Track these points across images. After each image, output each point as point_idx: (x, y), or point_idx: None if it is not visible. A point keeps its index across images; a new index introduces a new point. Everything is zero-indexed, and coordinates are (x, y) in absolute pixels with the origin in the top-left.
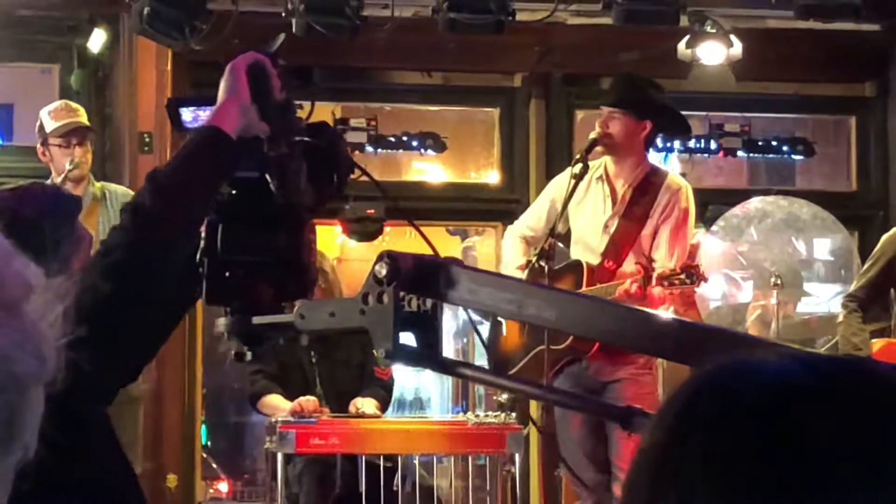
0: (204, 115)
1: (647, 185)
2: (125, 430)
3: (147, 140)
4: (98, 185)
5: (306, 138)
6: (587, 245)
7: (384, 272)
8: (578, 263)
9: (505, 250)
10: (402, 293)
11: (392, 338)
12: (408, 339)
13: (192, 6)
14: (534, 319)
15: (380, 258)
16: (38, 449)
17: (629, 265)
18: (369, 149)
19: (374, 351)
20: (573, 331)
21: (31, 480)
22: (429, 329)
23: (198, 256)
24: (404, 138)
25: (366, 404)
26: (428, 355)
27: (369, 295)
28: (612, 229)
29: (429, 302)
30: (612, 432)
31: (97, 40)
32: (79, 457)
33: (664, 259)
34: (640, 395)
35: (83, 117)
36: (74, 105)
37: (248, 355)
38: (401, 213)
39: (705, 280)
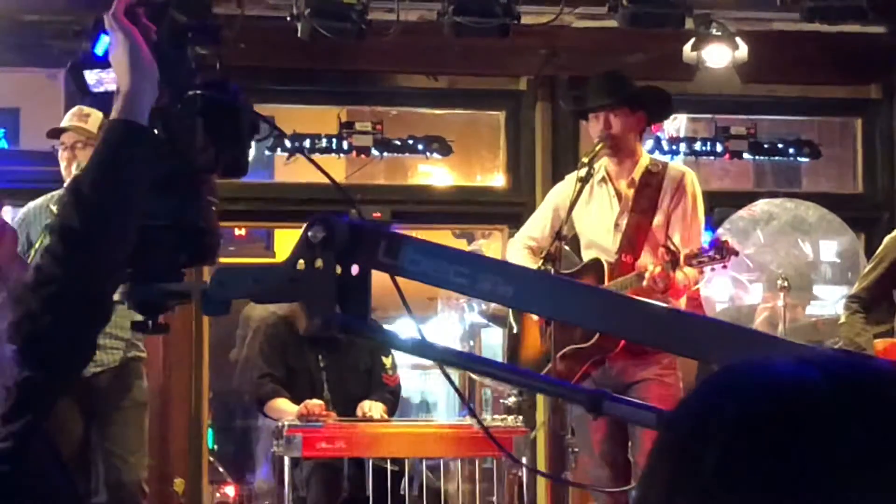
0: (108, 77)
1: (650, 178)
2: (132, 435)
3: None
4: None
5: (201, 92)
6: (600, 247)
7: (319, 237)
8: (598, 261)
9: (511, 260)
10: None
11: (329, 306)
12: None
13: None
14: (488, 295)
15: (313, 222)
16: None
17: (646, 257)
18: (375, 152)
19: (383, 357)
20: (530, 308)
21: None
22: (360, 297)
23: None
24: (410, 142)
25: (373, 408)
26: (359, 324)
27: (300, 260)
28: (624, 226)
29: (355, 268)
30: (637, 433)
31: (103, 45)
32: (18, 478)
33: (680, 245)
34: (664, 396)
35: (86, 123)
36: (87, 111)
37: (150, 325)
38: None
39: (735, 254)
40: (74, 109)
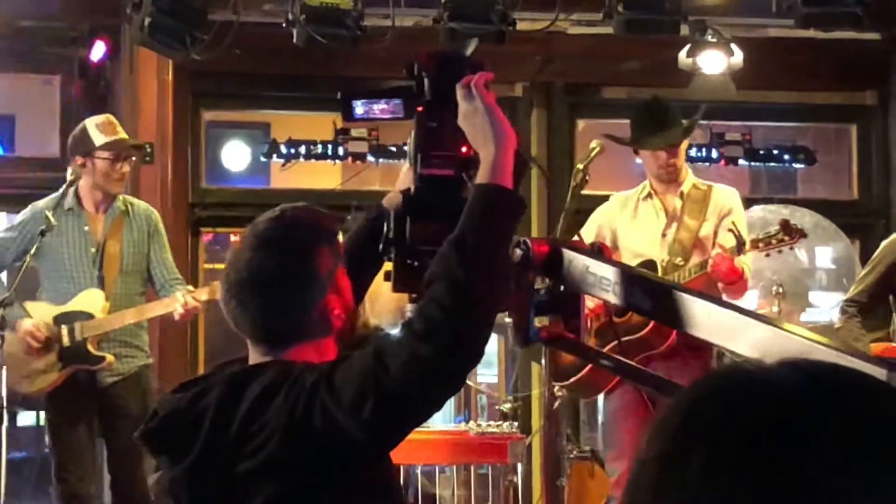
0: (377, 108)
1: (696, 193)
2: (134, 404)
3: (149, 151)
4: (121, 198)
5: None
6: (647, 259)
7: (518, 257)
8: (651, 262)
9: None
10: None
11: (526, 320)
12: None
13: (193, 17)
14: (634, 307)
15: (516, 244)
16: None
17: (695, 259)
18: (370, 158)
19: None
20: (661, 320)
21: None
22: (569, 312)
23: (381, 246)
24: (406, 148)
25: None
26: (565, 339)
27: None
28: (671, 234)
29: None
30: None
31: (98, 51)
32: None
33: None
34: None
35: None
36: (115, 121)
37: None
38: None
39: (804, 235)
40: (103, 120)
